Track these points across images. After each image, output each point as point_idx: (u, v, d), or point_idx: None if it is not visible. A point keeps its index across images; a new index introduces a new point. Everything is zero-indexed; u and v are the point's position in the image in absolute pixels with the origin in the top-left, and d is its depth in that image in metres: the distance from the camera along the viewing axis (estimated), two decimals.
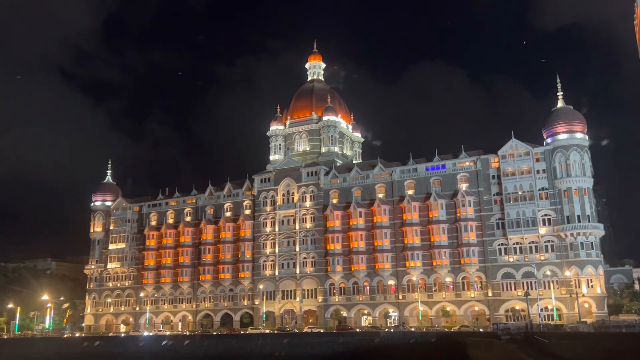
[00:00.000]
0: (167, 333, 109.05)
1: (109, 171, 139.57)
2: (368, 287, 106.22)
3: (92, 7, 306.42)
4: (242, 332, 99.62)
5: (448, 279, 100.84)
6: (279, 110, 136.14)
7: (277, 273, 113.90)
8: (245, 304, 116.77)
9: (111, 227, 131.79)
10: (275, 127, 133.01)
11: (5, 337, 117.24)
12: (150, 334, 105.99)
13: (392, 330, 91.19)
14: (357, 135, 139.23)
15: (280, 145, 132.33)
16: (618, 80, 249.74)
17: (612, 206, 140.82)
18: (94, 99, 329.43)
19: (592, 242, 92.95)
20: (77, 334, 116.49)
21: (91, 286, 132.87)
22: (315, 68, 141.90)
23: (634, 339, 42.34)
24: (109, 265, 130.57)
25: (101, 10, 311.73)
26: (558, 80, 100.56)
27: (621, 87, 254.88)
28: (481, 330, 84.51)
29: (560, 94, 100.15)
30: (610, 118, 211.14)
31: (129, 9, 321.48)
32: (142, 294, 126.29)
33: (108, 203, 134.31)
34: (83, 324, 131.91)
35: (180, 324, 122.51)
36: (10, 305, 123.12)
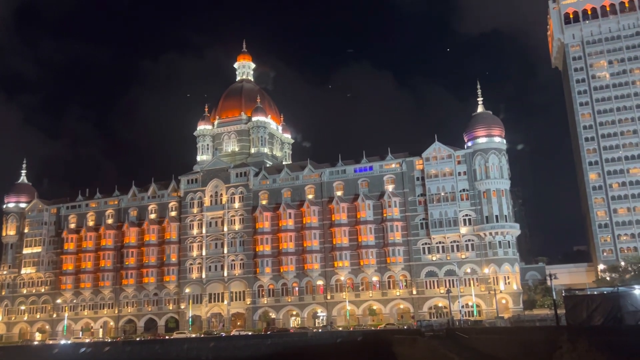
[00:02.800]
0: (87, 340, 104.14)
1: (23, 171, 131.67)
2: (297, 288, 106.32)
3: None
4: (167, 337, 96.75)
5: (375, 278, 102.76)
6: (206, 109, 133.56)
7: (204, 276, 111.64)
8: (171, 308, 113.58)
9: (26, 230, 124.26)
10: (203, 127, 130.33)
11: None
12: (68, 341, 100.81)
13: (320, 330, 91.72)
14: (287, 136, 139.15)
15: (208, 145, 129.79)
16: (534, 86, 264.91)
17: (527, 207, 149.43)
18: (5, 93, 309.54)
19: (509, 241, 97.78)
20: None
21: (3, 293, 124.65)
22: (245, 68, 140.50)
23: (545, 331, 44.79)
24: (23, 271, 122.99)
25: None
26: (478, 86, 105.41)
27: (537, 92, 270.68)
28: (406, 327, 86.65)
29: (480, 99, 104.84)
30: (526, 122, 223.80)
31: None
32: (59, 300, 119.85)
33: (22, 205, 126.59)
34: None
35: (101, 330, 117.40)
36: None
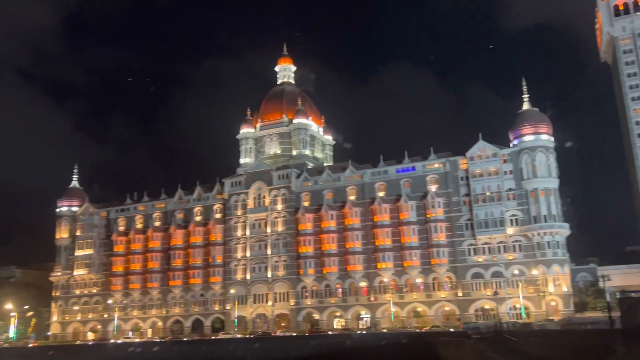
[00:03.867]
0: (136, 340, 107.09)
1: (75, 176, 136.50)
2: (340, 290, 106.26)
3: (51, 5, 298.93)
4: (213, 337, 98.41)
5: (419, 280, 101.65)
6: (249, 113, 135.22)
7: (248, 277, 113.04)
8: (217, 309, 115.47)
9: (78, 233, 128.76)
10: (245, 130, 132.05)
11: None
12: (119, 341, 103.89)
13: (364, 332, 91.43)
14: (328, 137, 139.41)
15: (250, 148, 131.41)
16: (582, 81, 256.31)
17: (577, 206, 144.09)
18: (55, 100, 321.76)
19: (558, 242, 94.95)
20: (32, 344, 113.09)
21: (57, 294, 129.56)
22: (286, 71, 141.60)
23: (598, 334, 43.30)
24: (75, 272, 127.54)
25: (61, 8, 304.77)
26: (523, 83, 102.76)
27: (585, 87, 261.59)
28: (452, 330, 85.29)
29: (525, 96, 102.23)
30: (574, 119, 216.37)
31: (89, 7, 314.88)
32: (110, 301, 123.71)
33: (74, 208, 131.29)
34: (49, 333, 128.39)
35: (150, 330, 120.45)
36: None
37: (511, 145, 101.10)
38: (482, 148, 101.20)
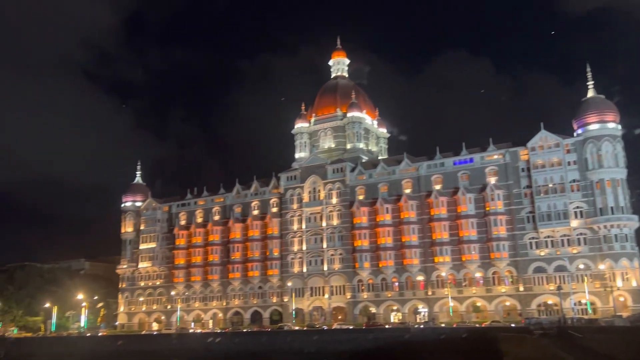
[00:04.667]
0: (198, 331, 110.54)
1: (138, 172, 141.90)
2: (397, 283, 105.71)
3: (112, 6, 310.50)
4: (271, 329, 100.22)
5: (478, 274, 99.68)
6: (303, 107, 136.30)
7: (305, 270, 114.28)
8: (274, 301, 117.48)
9: (142, 227, 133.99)
10: (300, 125, 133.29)
11: (43, 336, 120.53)
12: (192, 331, 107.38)
13: (422, 326, 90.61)
14: (383, 130, 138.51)
15: (305, 142, 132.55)
16: None
17: None
18: (118, 99, 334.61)
19: (626, 234, 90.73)
20: (102, 333, 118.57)
21: (123, 285, 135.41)
22: (339, 64, 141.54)
23: None
24: (140, 265, 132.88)
25: (121, 10, 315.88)
26: (588, 69, 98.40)
27: None
28: (513, 325, 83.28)
29: (590, 82, 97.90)
30: None
31: (149, 8, 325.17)
32: (173, 293, 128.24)
33: (138, 203, 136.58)
34: (116, 323, 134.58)
35: (211, 321, 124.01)
36: (47, 305, 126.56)
37: (575, 134, 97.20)
38: (544, 138, 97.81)
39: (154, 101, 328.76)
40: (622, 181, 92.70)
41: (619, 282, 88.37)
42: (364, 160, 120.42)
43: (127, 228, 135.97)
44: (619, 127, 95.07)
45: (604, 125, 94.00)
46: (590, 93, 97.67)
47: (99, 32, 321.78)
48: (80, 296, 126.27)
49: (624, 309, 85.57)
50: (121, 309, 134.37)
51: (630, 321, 66.38)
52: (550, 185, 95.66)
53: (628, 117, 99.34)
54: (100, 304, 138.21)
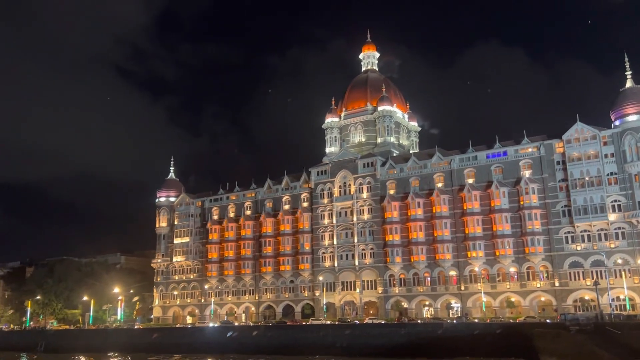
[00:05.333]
0: (234, 324, 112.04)
1: (172, 168, 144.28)
2: (429, 278, 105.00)
3: (145, 3, 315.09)
4: (303, 323, 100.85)
5: (512, 269, 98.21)
6: (333, 102, 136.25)
7: (336, 264, 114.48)
8: (306, 295, 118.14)
9: (175, 222, 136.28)
10: (330, 120, 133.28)
11: (81, 328, 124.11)
12: (216, 324, 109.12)
13: (455, 321, 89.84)
14: (414, 124, 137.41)
15: (335, 137, 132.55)
16: None
17: None
18: (151, 95, 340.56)
19: None
20: (138, 326, 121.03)
21: (158, 279, 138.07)
22: (370, 58, 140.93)
23: None
24: (174, 259, 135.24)
25: (154, 7, 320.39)
26: (626, 58, 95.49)
27: None
28: (548, 321, 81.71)
29: (628, 72, 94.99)
30: None
31: (180, 4, 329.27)
32: (206, 286, 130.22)
33: (172, 199, 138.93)
34: (152, 316, 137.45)
35: (243, 315, 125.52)
36: (85, 298, 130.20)
37: (612, 126, 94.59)
38: (580, 130, 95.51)
39: (187, 97, 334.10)
40: None
41: None
42: (394, 155, 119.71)
43: (162, 223, 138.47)
44: None
45: None
46: (629, 83, 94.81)
47: (132, 29, 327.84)
48: (116, 290, 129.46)
49: None
50: (156, 302, 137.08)
51: None
52: (587, 179, 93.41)
53: None
54: (135, 298, 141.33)
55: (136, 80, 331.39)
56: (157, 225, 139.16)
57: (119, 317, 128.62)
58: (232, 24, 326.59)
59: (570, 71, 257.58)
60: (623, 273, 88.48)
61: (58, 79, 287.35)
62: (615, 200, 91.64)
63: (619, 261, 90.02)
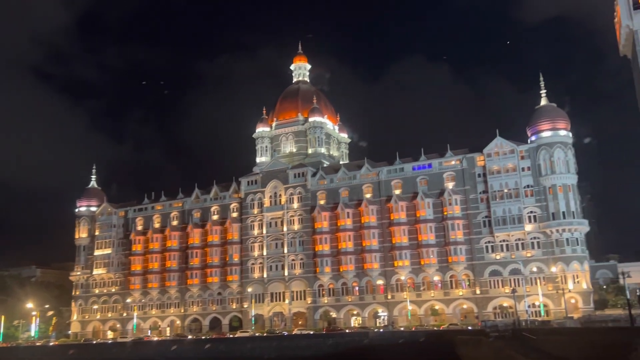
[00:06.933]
0: (155, 339, 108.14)
1: (93, 176, 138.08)
2: (357, 288, 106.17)
3: (65, 4, 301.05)
4: (231, 336, 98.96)
5: (436, 278, 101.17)
6: (264, 112, 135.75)
7: (265, 276, 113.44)
8: (234, 307, 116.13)
9: (97, 233, 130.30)
10: (261, 129, 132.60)
11: None
12: (138, 339, 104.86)
13: (381, 330, 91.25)
14: (344, 135, 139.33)
15: (266, 147, 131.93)
16: (601, 75, 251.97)
17: (596, 202, 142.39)
18: (72, 99, 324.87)
19: (577, 238, 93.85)
20: (53, 343, 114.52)
21: (77, 293, 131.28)
22: (301, 69, 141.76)
23: (620, 332, 42.69)
24: (95, 272, 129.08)
25: (75, 7, 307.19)
26: (541, 78, 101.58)
27: (604, 81, 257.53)
28: (470, 328, 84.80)
29: (543, 91, 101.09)
30: (593, 113, 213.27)
31: (104, 6, 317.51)
32: (129, 300, 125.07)
33: (93, 208, 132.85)
34: (69, 332, 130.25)
35: (168, 329, 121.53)
36: None
37: (529, 141, 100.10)
38: (499, 144, 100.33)
39: (110, 102, 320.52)
40: (573, 187, 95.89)
41: (570, 285, 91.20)
42: (325, 165, 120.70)
43: (82, 234, 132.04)
44: (570, 134, 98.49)
45: (556, 133, 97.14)
46: (543, 101, 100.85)
47: (51, 29, 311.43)
48: (30, 305, 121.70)
49: (575, 311, 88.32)
50: (74, 317, 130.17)
51: (580, 322, 68.50)
52: (506, 191, 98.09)
53: (579, 125, 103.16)
54: (51, 312, 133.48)
55: (56, 84, 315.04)
56: (76, 236, 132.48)
57: (32, 334, 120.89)
58: (159, 27, 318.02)
59: (492, 88, 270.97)
60: (538, 281, 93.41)
61: None
62: (532, 212, 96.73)
63: (535, 269, 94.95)
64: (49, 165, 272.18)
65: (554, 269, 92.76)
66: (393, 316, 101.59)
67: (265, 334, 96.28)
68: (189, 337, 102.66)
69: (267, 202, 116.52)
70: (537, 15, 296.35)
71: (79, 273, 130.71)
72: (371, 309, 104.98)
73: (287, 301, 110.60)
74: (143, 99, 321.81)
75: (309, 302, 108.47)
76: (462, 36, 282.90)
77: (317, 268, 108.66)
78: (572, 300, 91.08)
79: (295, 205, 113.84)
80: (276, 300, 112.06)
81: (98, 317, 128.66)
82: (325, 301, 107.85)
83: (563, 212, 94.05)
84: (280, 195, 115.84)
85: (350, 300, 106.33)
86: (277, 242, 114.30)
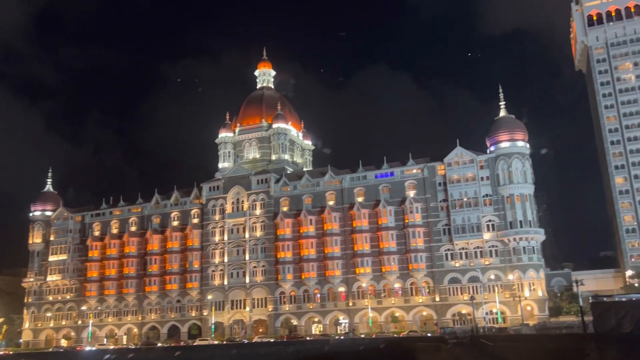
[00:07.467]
0: (111, 347, 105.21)
1: (49, 179, 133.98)
2: (319, 295, 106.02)
3: (20, 2, 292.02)
4: (189, 344, 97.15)
5: (397, 285, 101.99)
6: (228, 117, 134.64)
7: (226, 283, 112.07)
8: (194, 315, 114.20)
9: (52, 238, 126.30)
10: (224, 135, 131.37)
11: None
12: (93, 348, 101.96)
13: (342, 337, 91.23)
14: (308, 142, 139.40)
15: (229, 152, 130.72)
16: (558, 88, 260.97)
17: (552, 212, 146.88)
18: (27, 100, 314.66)
19: (533, 247, 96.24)
20: (10, 352, 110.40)
21: (29, 300, 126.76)
22: (265, 75, 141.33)
23: (573, 339, 43.84)
24: (49, 278, 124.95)
25: (30, 5, 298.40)
26: (500, 90, 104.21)
27: (561, 94, 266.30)
28: (429, 335, 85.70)
29: (502, 103, 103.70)
30: (550, 125, 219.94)
31: (62, 4, 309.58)
32: (84, 307, 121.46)
33: (48, 213, 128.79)
34: (20, 340, 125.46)
35: (125, 337, 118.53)
36: None
37: (488, 151, 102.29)
38: (459, 154, 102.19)
39: (68, 103, 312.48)
40: (530, 196, 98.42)
41: (526, 292, 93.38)
42: (288, 172, 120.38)
43: (36, 239, 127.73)
44: (528, 145, 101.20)
45: (514, 144, 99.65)
46: (502, 113, 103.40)
47: (5, 28, 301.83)
48: None
49: (531, 318, 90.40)
50: (26, 325, 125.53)
51: (536, 329, 70.13)
52: (465, 199, 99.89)
53: (536, 136, 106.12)
54: (1, 320, 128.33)
55: (10, 84, 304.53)
56: (30, 241, 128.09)
57: None
58: (120, 28, 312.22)
59: (453, 97, 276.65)
60: (496, 288, 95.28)
61: None
62: (490, 220, 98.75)
63: (492, 277, 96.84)
64: (2, 167, 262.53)
65: (511, 277, 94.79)
66: (354, 323, 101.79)
67: (225, 342, 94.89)
68: (159, 344, 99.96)
69: (229, 208, 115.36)
70: (498, 27, 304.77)
71: (32, 279, 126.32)
72: (332, 316, 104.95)
73: (247, 309, 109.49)
74: (103, 101, 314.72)
75: (270, 309, 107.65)
76: (426, 46, 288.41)
77: (279, 275, 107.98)
78: (528, 308, 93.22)
79: (258, 211, 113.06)
80: (237, 308, 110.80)
81: (51, 325, 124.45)
82: (287, 308, 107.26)
83: (520, 221, 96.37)
84: (242, 201, 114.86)
85: (311, 307, 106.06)
86: (238, 249, 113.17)
